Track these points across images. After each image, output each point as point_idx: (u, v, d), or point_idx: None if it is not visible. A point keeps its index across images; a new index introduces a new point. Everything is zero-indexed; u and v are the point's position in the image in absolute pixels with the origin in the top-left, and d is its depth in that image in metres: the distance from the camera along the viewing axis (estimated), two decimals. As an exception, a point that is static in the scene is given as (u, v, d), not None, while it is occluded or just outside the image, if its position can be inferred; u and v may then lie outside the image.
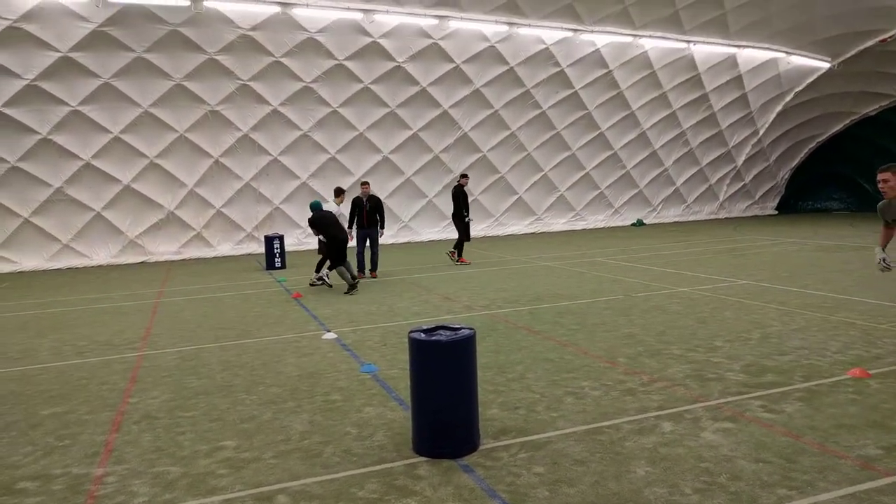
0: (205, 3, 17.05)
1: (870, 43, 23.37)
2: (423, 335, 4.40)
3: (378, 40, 19.55)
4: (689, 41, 22.96)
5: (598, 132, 24.57)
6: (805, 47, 24.28)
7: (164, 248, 19.77)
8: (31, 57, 16.65)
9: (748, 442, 4.34)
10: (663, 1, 20.69)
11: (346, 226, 13.37)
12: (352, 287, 11.65)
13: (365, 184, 13.77)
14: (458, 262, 15.36)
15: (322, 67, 19.63)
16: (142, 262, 19.27)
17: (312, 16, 18.46)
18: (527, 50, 21.49)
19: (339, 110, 20.56)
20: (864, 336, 7.05)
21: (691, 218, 28.45)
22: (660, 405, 5.14)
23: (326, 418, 5.17)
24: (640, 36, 22.13)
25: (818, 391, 5.32)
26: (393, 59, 20.14)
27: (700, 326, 7.89)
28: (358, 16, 18.71)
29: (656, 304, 9.39)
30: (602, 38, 21.94)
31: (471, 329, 4.48)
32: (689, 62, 23.98)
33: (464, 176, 15.51)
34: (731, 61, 24.53)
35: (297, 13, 18.21)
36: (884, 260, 6.16)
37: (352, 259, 13.46)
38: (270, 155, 20.41)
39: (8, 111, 16.99)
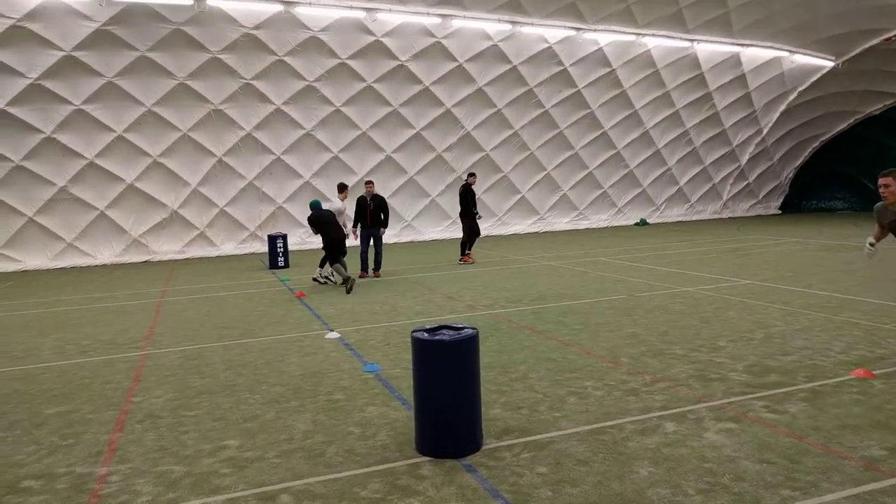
0: (208, 2, 17.07)
1: (874, 41, 23.30)
2: (426, 335, 4.40)
3: (381, 39, 19.55)
4: (692, 40, 22.92)
5: (601, 131, 24.54)
6: (809, 46, 24.21)
7: (168, 248, 19.81)
8: (35, 56, 16.69)
9: (751, 442, 4.33)
10: (666, -1, 20.68)
11: (350, 223, 13.43)
12: (346, 283, 11.75)
13: (369, 183, 13.77)
14: (461, 261, 15.37)
15: (325, 66, 19.64)
16: (145, 262, 19.31)
17: (315, 14, 18.47)
18: (529, 49, 21.47)
19: (342, 109, 20.57)
20: (868, 336, 7.03)
21: (695, 217, 28.40)
22: (663, 405, 5.13)
23: (329, 418, 5.17)
24: (644, 35, 22.09)
25: (822, 392, 5.31)
26: (396, 58, 20.14)
27: (703, 326, 7.88)
28: (361, 14, 18.72)
29: (659, 304, 9.37)
30: (605, 37, 21.91)
31: (474, 329, 4.48)
32: (693, 61, 23.93)
33: (471, 175, 15.52)
34: (735, 60, 24.48)
35: (300, 12, 18.22)
36: (871, 244, 6.18)
37: (354, 259, 13.47)
38: (273, 154, 20.43)
39: (11, 110, 17.04)
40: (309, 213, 12.37)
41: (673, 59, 23.54)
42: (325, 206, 12.61)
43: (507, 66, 21.65)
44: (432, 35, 20.00)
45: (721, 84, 25.09)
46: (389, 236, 20.51)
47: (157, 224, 19.59)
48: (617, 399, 5.33)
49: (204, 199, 20.02)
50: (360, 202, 13.49)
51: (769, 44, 23.94)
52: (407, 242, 22.15)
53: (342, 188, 13.68)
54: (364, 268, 13.74)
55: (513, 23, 20.32)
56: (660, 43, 22.73)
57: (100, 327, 9.47)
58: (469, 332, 4.41)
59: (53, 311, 11.20)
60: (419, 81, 20.90)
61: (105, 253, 19.17)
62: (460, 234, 15.47)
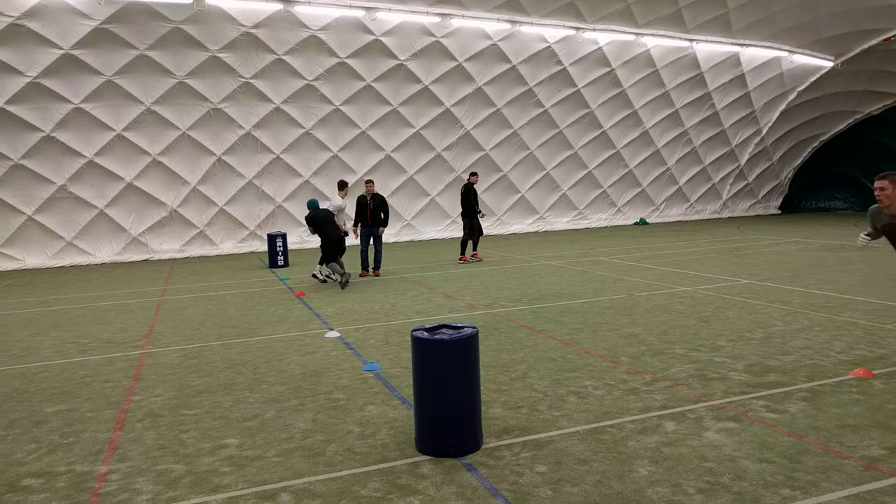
0: (207, 1, 17.06)
1: (874, 42, 23.30)
2: (425, 334, 4.40)
3: (380, 38, 19.55)
4: (691, 40, 22.93)
5: (600, 131, 24.54)
6: (808, 46, 24.22)
7: (168, 246, 19.80)
8: (34, 54, 16.68)
9: (751, 442, 4.34)
10: (666, -1, 20.69)
11: (349, 222, 13.43)
12: (341, 277, 11.98)
13: (369, 182, 13.76)
14: (460, 260, 15.38)
15: (324, 65, 19.63)
16: (145, 260, 19.30)
17: (315, 13, 18.46)
18: (529, 48, 21.47)
19: (342, 108, 20.57)
20: (867, 336, 7.04)
21: (694, 217, 28.41)
22: (663, 405, 5.13)
23: (329, 417, 5.17)
24: (643, 34, 22.10)
25: (822, 391, 5.31)
26: (395, 57, 20.13)
27: (703, 326, 7.88)
28: (360, 13, 18.72)
29: (659, 304, 9.38)
30: (604, 37, 21.92)
31: (473, 328, 4.48)
32: (692, 61, 23.94)
33: (473, 174, 15.55)
34: (734, 60, 24.49)
35: (300, 11, 18.22)
36: (866, 235, 6.18)
37: (354, 258, 13.48)
38: (273, 153, 20.42)
39: (11, 109, 17.02)
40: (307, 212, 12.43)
41: (672, 58, 23.55)
42: (324, 204, 12.64)
43: (507, 66, 21.65)
44: (431, 34, 20.00)
45: (720, 84, 25.10)
46: (389, 235, 20.51)
47: (156, 223, 19.58)
48: (617, 398, 5.33)
49: (203, 198, 20.01)
50: (360, 201, 13.49)
51: (769, 44, 23.96)
52: (406, 242, 22.15)
53: (342, 185, 13.69)
54: (364, 266, 13.75)
55: (512, 22, 20.32)
56: (659, 43, 22.74)
57: (99, 326, 9.47)
58: (469, 331, 4.41)
59: (53, 309, 11.19)
60: (419, 81, 20.90)
61: (104, 251, 19.15)
62: (459, 234, 15.46)
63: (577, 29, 21.23)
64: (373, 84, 20.45)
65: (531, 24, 20.57)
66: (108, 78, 17.63)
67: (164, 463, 4.40)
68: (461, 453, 4.30)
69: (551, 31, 21.18)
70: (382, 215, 13.49)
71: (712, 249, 16.36)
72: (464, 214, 15.22)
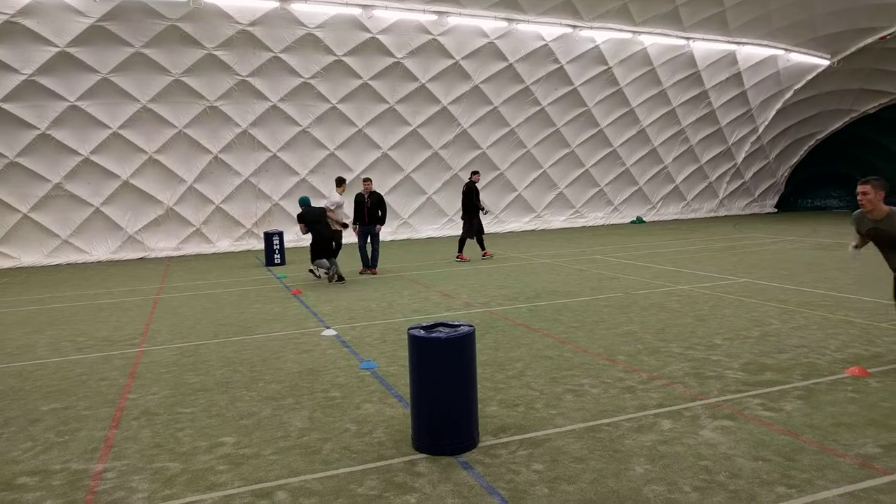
0: (204, -1, 17.01)
1: (869, 40, 23.35)
2: (422, 332, 4.40)
3: (377, 36, 19.51)
4: (688, 38, 22.94)
5: (597, 129, 24.55)
6: (805, 44, 24.26)
7: (164, 244, 19.75)
8: (29, 52, 16.60)
9: (747, 440, 4.35)
10: (663, -3, 20.70)
11: (346, 219, 13.45)
12: (329, 272, 12.20)
13: (367, 180, 13.77)
14: (457, 258, 15.38)
15: (321, 63, 19.59)
16: (141, 258, 19.25)
17: (311, 11, 18.41)
18: (526, 46, 21.46)
19: (339, 106, 20.53)
20: (863, 334, 7.06)
21: (691, 215, 28.45)
22: (659, 403, 5.14)
23: (326, 415, 5.17)
24: (640, 33, 22.10)
25: (817, 389, 5.33)
26: (392, 55, 20.10)
27: (699, 324, 7.90)
28: (356, 11, 18.67)
29: (656, 302, 9.39)
30: (601, 35, 21.91)
31: (470, 326, 4.48)
32: (689, 59, 23.95)
33: (475, 172, 15.59)
34: (731, 58, 24.51)
35: (296, 8, 18.17)
36: (855, 247, 6.21)
37: (353, 257, 13.47)
38: (269, 151, 20.38)
39: (6, 106, 16.94)
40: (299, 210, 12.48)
41: (669, 57, 23.56)
42: (322, 201, 12.67)
43: (504, 64, 21.63)
44: (428, 32, 19.97)
45: (717, 82, 25.12)
46: (385, 234, 20.48)
47: (152, 221, 19.52)
48: (613, 396, 5.34)
49: (200, 196, 19.96)
50: (358, 199, 13.49)
51: (765, 42, 23.98)
52: (403, 240, 22.13)
53: (340, 182, 13.69)
54: (365, 264, 13.75)
55: (509, 20, 20.30)
56: (656, 41, 22.74)
57: (95, 324, 9.44)
58: (465, 329, 4.41)
59: (49, 307, 11.16)
60: (415, 79, 20.87)
61: (100, 250, 19.10)
62: (456, 232, 15.48)
63: (574, 27, 21.22)
64: (369, 82, 20.41)
65: (528, 22, 20.55)
66: (103, 76, 17.56)
67: (160, 461, 4.39)
68: (458, 451, 4.31)
69: (548, 29, 21.17)
70: (380, 213, 13.49)
71: (709, 248, 16.39)
72: (464, 213, 15.24)
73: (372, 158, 21.65)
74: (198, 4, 17.04)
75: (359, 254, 13.84)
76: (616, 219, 26.55)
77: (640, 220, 26.66)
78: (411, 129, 21.77)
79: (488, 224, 23.57)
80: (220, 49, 18.35)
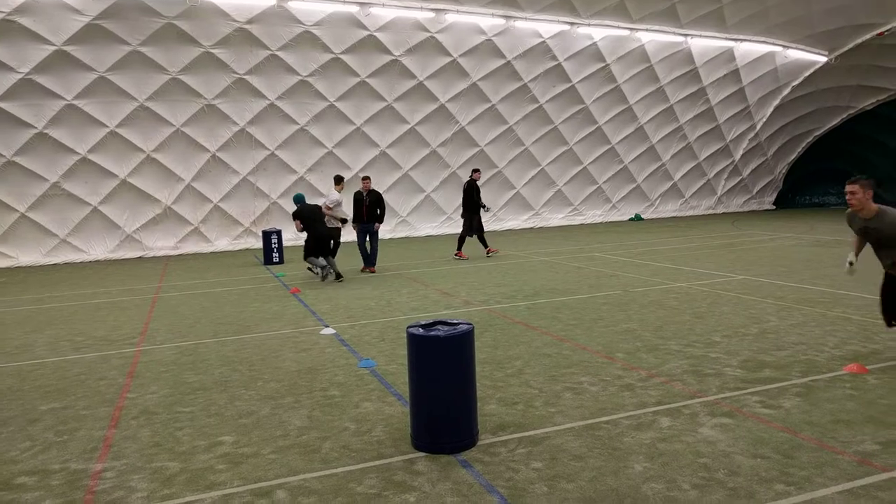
0: (201, -3, 16.97)
1: (867, 36, 23.36)
2: (421, 330, 4.39)
3: (374, 34, 19.48)
4: (686, 35, 22.93)
5: (595, 126, 24.54)
6: (802, 41, 24.26)
7: (162, 243, 19.72)
8: (26, 50, 16.55)
9: (746, 437, 4.35)
10: (661, -6, 20.69)
11: (344, 216, 13.47)
12: (321, 271, 12.34)
13: (366, 178, 13.77)
14: (456, 256, 15.39)
15: (318, 61, 19.56)
16: (139, 257, 19.23)
17: (308, 9, 18.38)
18: (523, 43, 21.43)
19: (336, 104, 20.50)
20: (861, 331, 7.08)
21: (689, 213, 28.47)
22: (658, 400, 5.15)
23: (325, 413, 5.17)
24: (637, 29, 22.09)
25: (816, 387, 5.34)
26: (389, 53, 20.08)
27: (698, 322, 7.90)
28: (354, 9, 18.65)
29: (654, 300, 9.40)
30: (599, 32, 21.90)
31: (469, 324, 4.48)
32: (687, 56, 23.95)
33: (476, 171, 15.60)
34: (729, 55, 24.51)
35: (293, 6, 18.13)
36: (851, 263, 6.20)
37: (351, 255, 13.46)
38: (267, 149, 20.35)
39: (3, 105, 16.90)
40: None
41: (667, 53, 23.55)
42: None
43: (502, 61, 21.61)
44: (426, 30, 19.94)
45: (715, 79, 25.12)
46: (384, 232, 20.46)
47: (150, 220, 19.50)
48: (612, 394, 5.35)
49: (198, 195, 19.94)
50: (357, 198, 13.48)
51: (763, 39, 23.99)
52: (402, 238, 22.13)
53: (338, 180, 13.69)
54: (366, 262, 13.74)
55: (506, 17, 20.29)
56: (654, 38, 22.73)
57: (94, 323, 9.43)
58: (464, 327, 4.41)
59: (47, 307, 11.14)
60: (413, 76, 20.85)
61: (98, 249, 19.07)
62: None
63: (572, 24, 21.21)
64: (367, 80, 20.39)
65: (525, 19, 20.53)
66: (100, 74, 17.52)
67: (159, 460, 4.39)
68: (457, 450, 4.31)
69: (546, 27, 21.15)
70: (378, 212, 13.49)
71: (707, 245, 16.40)
72: (465, 211, 15.25)
73: (370, 156, 21.63)
74: (195, 2, 17.01)
75: (359, 252, 13.83)
76: (614, 216, 26.56)
77: (638, 218, 26.67)
78: (409, 126, 21.75)
79: (486, 222, 23.57)
80: (218, 47, 18.32)
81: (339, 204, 13.26)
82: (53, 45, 16.65)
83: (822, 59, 25.17)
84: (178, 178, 19.52)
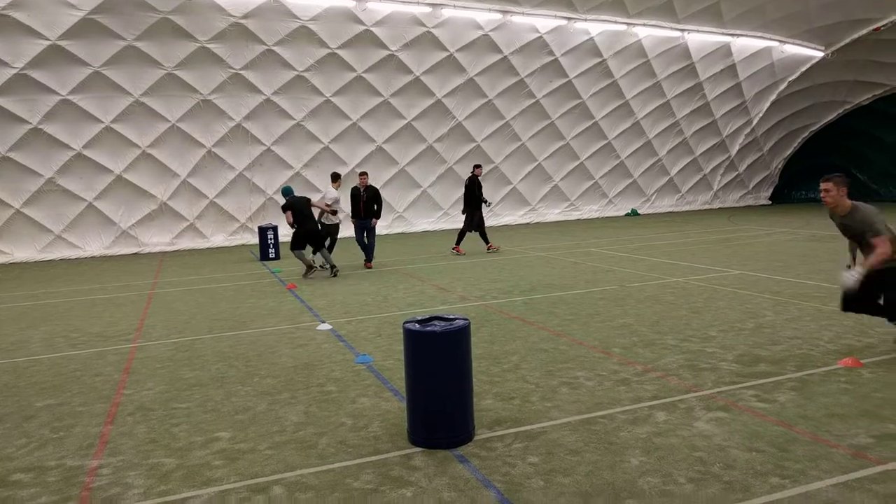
0: (196, -9, 16.90)
1: (863, 32, 23.39)
2: (417, 326, 4.39)
3: (371, 28, 19.43)
4: (683, 30, 22.92)
5: (592, 121, 24.54)
6: (799, 36, 24.27)
7: (158, 239, 19.68)
8: (20, 45, 16.47)
9: (741, 431, 4.37)
10: (657, -11, 20.67)
11: (341, 213, 13.49)
12: (309, 270, 12.44)
13: (363, 174, 13.76)
14: (453, 250, 15.42)
15: (315, 56, 19.50)
16: (135, 253, 19.18)
17: (304, 4, 18.32)
18: (520, 38, 21.41)
19: (332, 99, 20.45)
20: (856, 326, 7.10)
21: (685, 208, 28.51)
22: (654, 395, 5.16)
23: (321, 409, 5.17)
24: (634, 24, 22.07)
25: (811, 381, 5.36)
26: (386, 48, 20.03)
27: (694, 316, 7.92)
28: (350, 3, 18.59)
29: (650, 295, 9.41)
30: (596, 27, 21.87)
31: (465, 319, 4.48)
32: (683, 51, 23.94)
33: (477, 166, 15.61)
34: (725, 50, 24.51)
35: (289, 1, 18.08)
36: (849, 266, 6.18)
37: (350, 252, 13.43)
38: (263, 145, 20.30)
39: (-3, 100, 16.84)
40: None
41: (664, 48, 23.54)
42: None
43: (498, 56, 21.58)
44: (423, 24, 19.89)
45: (712, 74, 25.13)
46: (380, 227, 20.43)
47: (146, 216, 19.45)
48: (608, 389, 5.36)
49: (193, 191, 19.89)
50: (354, 193, 13.47)
51: (759, 34, 23.99)
52: (398, 234, 22.12)
53: (335, 177, 13.68)
54: (367, 257, 13.72)
55: (503, 12, 20.25)
56: (651, 33, 22.72)
57: (89, 320, 9.41)
58: (461, 322, 4.41)
59: (42, 303, 11.11)
60: (410, 71, 20.81)
61: (94, 245, 19.02)
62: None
63: (569, 19, 21.18)
64: (364, 75, 20.34)
65: (522, 14, 20.50)
66: (95, 69, 17.44)
67: (156, 457, 4.39)
68: (453, 445, 4.31)
69: (543, 22, 21.12)
70: (376, 207, 13.47)
71: (703, 240, 16.43)
72: (466, 206, 15.26)
73: (366, 152, 21.60)
74: (190, -3, 16.93)
75: (359, 247, 13.80)
76: (611, 211, 26.58)
77: (634, 213, 26.70)
78: (406, 122, 21.72)
79: (484, 217, 23.57)
80: (213, 42, 18.24)
81: (337, 201, 13.27)
82: (48, 39, 16.57)
83: (819, 55, 25.19)
84: (174, 173, 19.47)
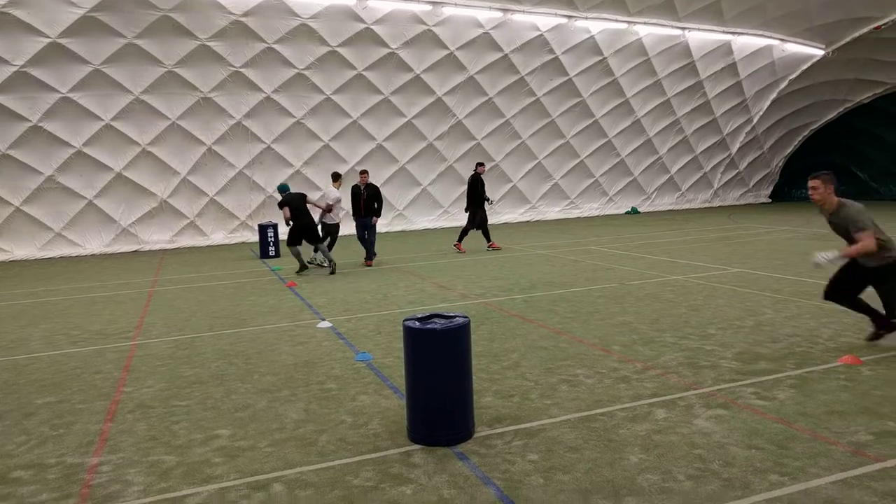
0: (196, -11, 16.88)
1: (864, 30, 23.34)
2: (417, 323, 4.40)
3: (371, 27, 19.41)
4: (683, 28, 22.90)
5: (592, 120, 24.52)
6: (799, 34, 24.24)
7: (158, 237, 19.68)
8: (20, 43, 16.45)
9: (741, 429, 4.37)
10: (658, -13, 20.64)
11: (340, 211, 13.50)
12: (302, 268, 12.58)
13: (363, 172, 13.76)
14: (455, 247, 15.43)
15: (315, 54, 19.49)
16: (135, 251, 19.19)
17: (305, 1, 18.30)
18: (521, 37, 21.38)
19: (333, 97, 20.44)
20: (855, 323, 7.10)
21: (685, 206, 28.49)
22: (653, 392, 5.17)
23: (321, 407, 5.18)
24: (635, 22, 22.04)
25: (810, 378, 5.36)
26: (386, 46, 20.01)
27: (693, 314, 7.92)
28: (351, 2, 18.57)
29: (650, 292, 9.42)
30: (596, 25, 21.85)
31: (465, 317, 4.49)
32: (684, 49, 23.92)
33: (480, 164, 15.61)
34: (726, 48, 24.48)
35: (290, -1, 18.07)
36: (836, 258, 6.13)
37: (349, 249, 13.42)
38: (263, 143, 20.30)
39: (-3, 98, 16.84)
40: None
41: (664, 47, 23.51)
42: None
43: (499, 54, 21.56)
44: (423, 23, 19.87)
45: (712, 72, 25.09)
46: (381, 225, 20.44)
47: (146, 213, 19.45)
48: (608, 386, 5.36)
49: (193, 188, 19.89)
50: (354, 191, 13.48)
51: (760, 32, 23.95)
52: (398, 231, 22.12)
53: (336, 177, 13.70)
54: (368, 255, 13.73)
55: (504, 10, 20.22)
56: (651, 31, 22.69)
57: (89, 317, 9.42)
58: (461, 320, 4.42)
59: (42, 301, 11.12)
60: (410, 69, 20.79)
61: (94, 243, 19.02)
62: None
63: (569, 17, 21.15)
64: (364, 73, 20.32)
65: (523, 12, 20.47)
66: (95, 67, 17.43)
67: (156, 454, 4.39)
68: (453, 442, 4.32)
69: (543, 20, 21.10)
70: (376, 205, 13.48)
71: (703, 238, 16.43)
72: (469, 204, 15.27)
73: (366, 150, 21.59)
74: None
75: (361, 245, 13.81)
76: (611, 210, 26.57)
77: (634, 211, 26.69)
78: (406, 120, 21.71)
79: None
80: (214, 40, 18.23)
81: (338, 201, 13.29)
82: (48, 37, 16.55)
83: (820, 53, 25.15)
84: (174, 171, 19.46)
